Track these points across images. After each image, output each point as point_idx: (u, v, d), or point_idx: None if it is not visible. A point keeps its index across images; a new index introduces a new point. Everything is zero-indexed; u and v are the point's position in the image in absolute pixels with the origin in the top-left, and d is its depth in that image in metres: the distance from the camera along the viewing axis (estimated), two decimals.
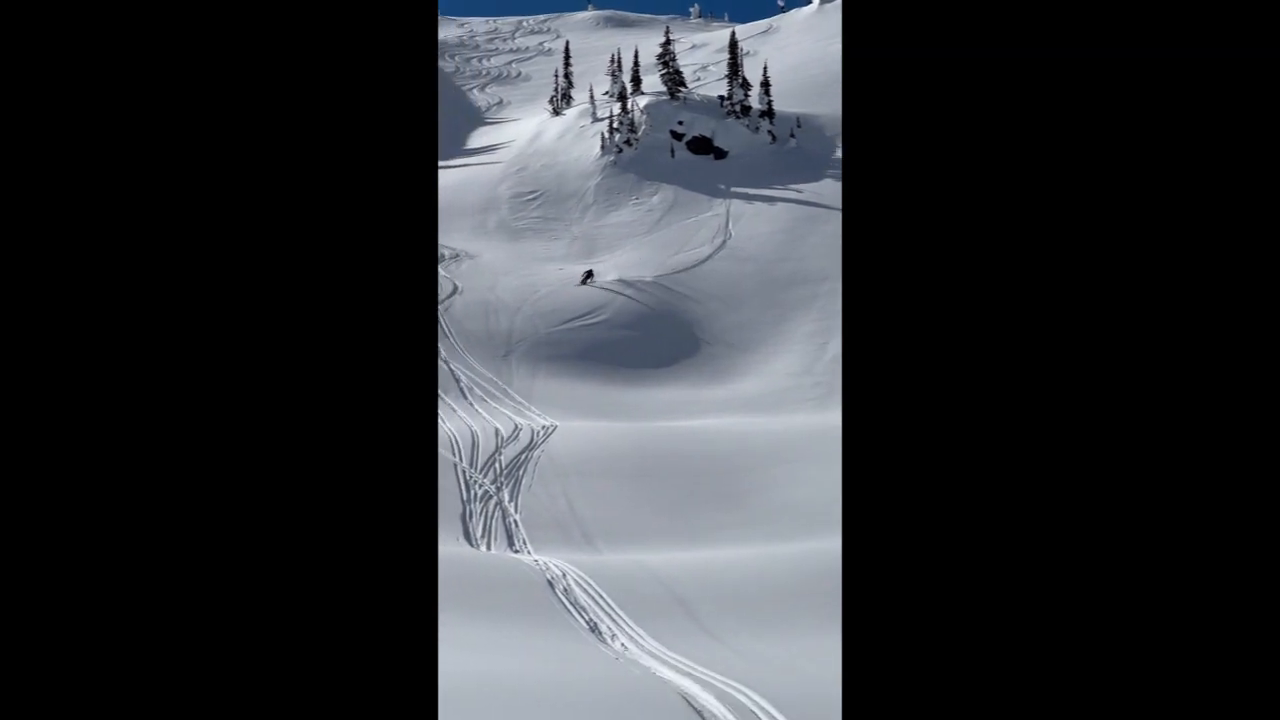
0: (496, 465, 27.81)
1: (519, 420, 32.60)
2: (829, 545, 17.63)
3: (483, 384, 37.90)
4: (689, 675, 12.34)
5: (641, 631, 14.99)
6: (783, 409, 35.19)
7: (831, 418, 30.52)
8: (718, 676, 12.08)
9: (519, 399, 36.18)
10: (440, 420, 32.23)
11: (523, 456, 28.42)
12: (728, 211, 56.15)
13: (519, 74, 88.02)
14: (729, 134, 64.18)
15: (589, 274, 39.78)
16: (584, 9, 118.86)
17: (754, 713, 10.68)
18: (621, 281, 48.11)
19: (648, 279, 48.60)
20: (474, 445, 29.28)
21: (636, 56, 71.54)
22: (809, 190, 56.48)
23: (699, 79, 75.37)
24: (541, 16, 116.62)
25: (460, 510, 24.54)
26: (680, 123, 64.78)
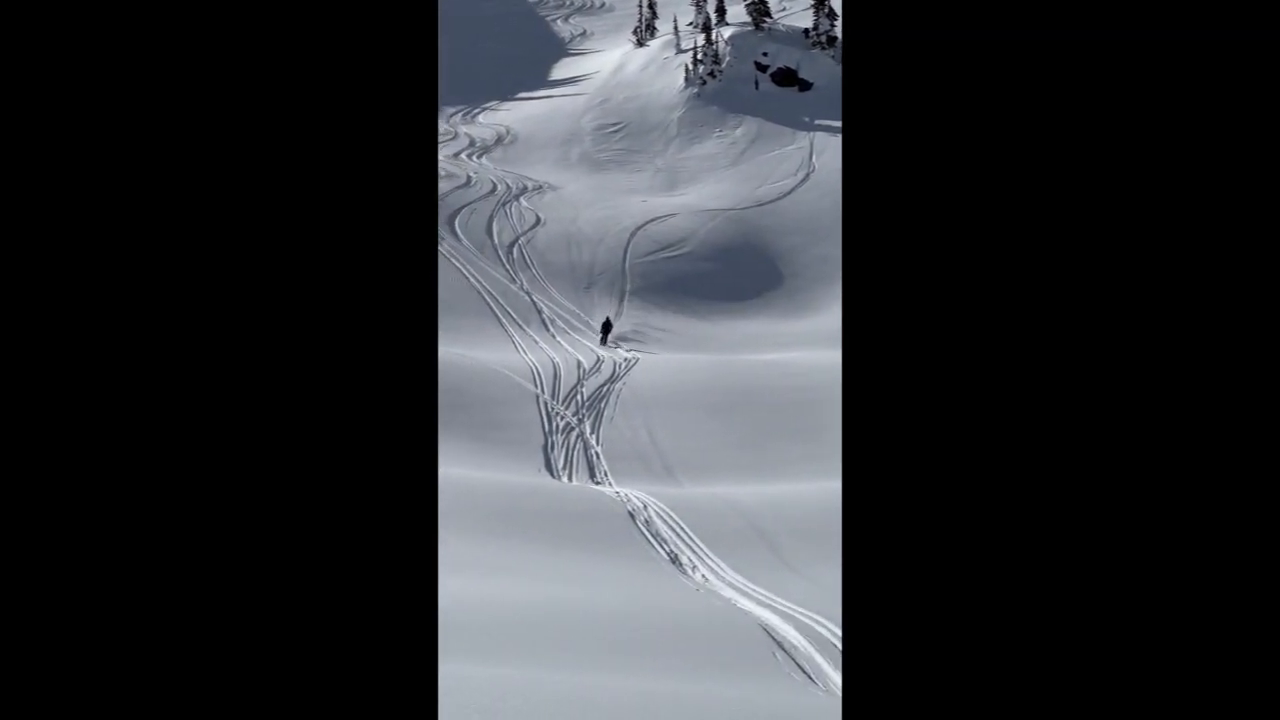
0: (578, 397, 27.97)
1: (601, 352, 32.71)
2: None
3: (565, 315, 38.04)
4: (769, 607, 12.42)
5: (722, 563, 15.07)
6: None
7: None
8: (797, 608, 12.13)
9: (601, 331, 36.29)
10: (522, 352, 32.43)
11: (604, 389, 28.55)
12: (811, 144, 55.58)
13: (602, 4, 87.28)
14: (814, 65, 63.34)
15: (608, 324, 36.56)
16: None
17: (834, 645, 10.73)
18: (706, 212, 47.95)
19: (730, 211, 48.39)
20: (556, 377, 29.45)
21: None
22: None
23: (784, 9, 74.27)
24: None
25: (542, 442, 24.75)
26: (764, 54, 64.00)
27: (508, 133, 59.69)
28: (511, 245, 44.53)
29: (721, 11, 67.92)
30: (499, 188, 50.32)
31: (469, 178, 50.87)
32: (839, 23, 64.77)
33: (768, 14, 67.63)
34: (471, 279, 40.29)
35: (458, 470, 19.54)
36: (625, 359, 31.60)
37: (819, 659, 10.35)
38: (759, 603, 12.71)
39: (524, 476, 21.77)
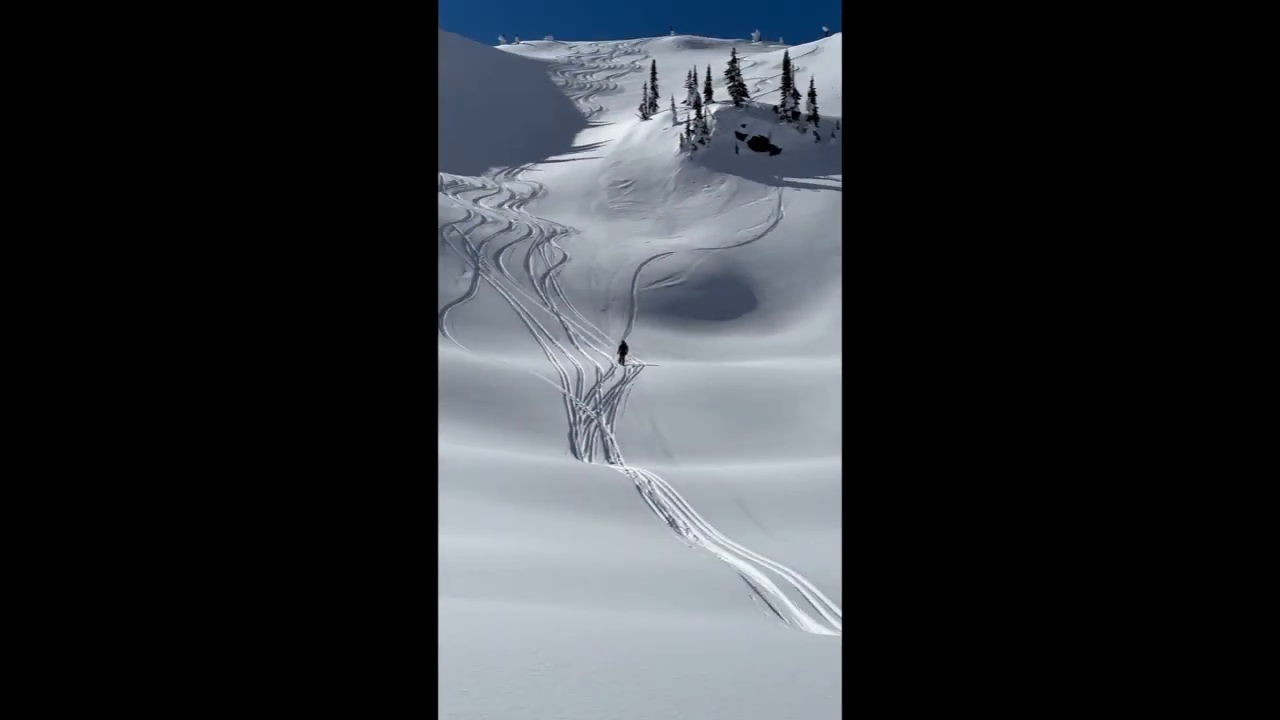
0: (597, 396, 27.92)
1: (615, 360, 32.63)
2: None
3: (586, 332, 38.03)
4: (746, 560, 12.41)
5: (709, 526, 15.06)
6: (822, 353, 34.91)
7: None
8: (768, 560, 12.14)
9: (615, 344, 36.23)
10: (552, 360, 32.37)
11: (617, 389, 28.50)
12: (780, 197, 55.58)
13: (615, 86, 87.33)
14: (782, 135, 63.33)
15: (624, 347, 33.34)
16: (667, 34, 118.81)
17: (795, 587, 10.74)
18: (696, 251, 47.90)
19: (716, 249, 48.35)
20: (579, 380, 29.41)
21: (709, 73, 70.67)
22: None
23: (759, 90, 74.21)
24: (633, 40, 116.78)
25: (568, 430, 24.72)
26: (743, 126, 64.00)
27: (540, 188, 59.75)
28: (544, 277, 44.55)
29: (709, 92, 68.02)
30: (533, 231, 50.36)
31: (510, 224, 50.91)
32: (802, 101, 64.78)
33: (746, 94, 67.72)
34: (512, 303, 40.32)
35: (501, 452, 19.55)
36: (634, 366, 31.52)
37: (786, 600, 10.35)
38: (738, 557, 12.69)
39: (553, 458, 21.72)
